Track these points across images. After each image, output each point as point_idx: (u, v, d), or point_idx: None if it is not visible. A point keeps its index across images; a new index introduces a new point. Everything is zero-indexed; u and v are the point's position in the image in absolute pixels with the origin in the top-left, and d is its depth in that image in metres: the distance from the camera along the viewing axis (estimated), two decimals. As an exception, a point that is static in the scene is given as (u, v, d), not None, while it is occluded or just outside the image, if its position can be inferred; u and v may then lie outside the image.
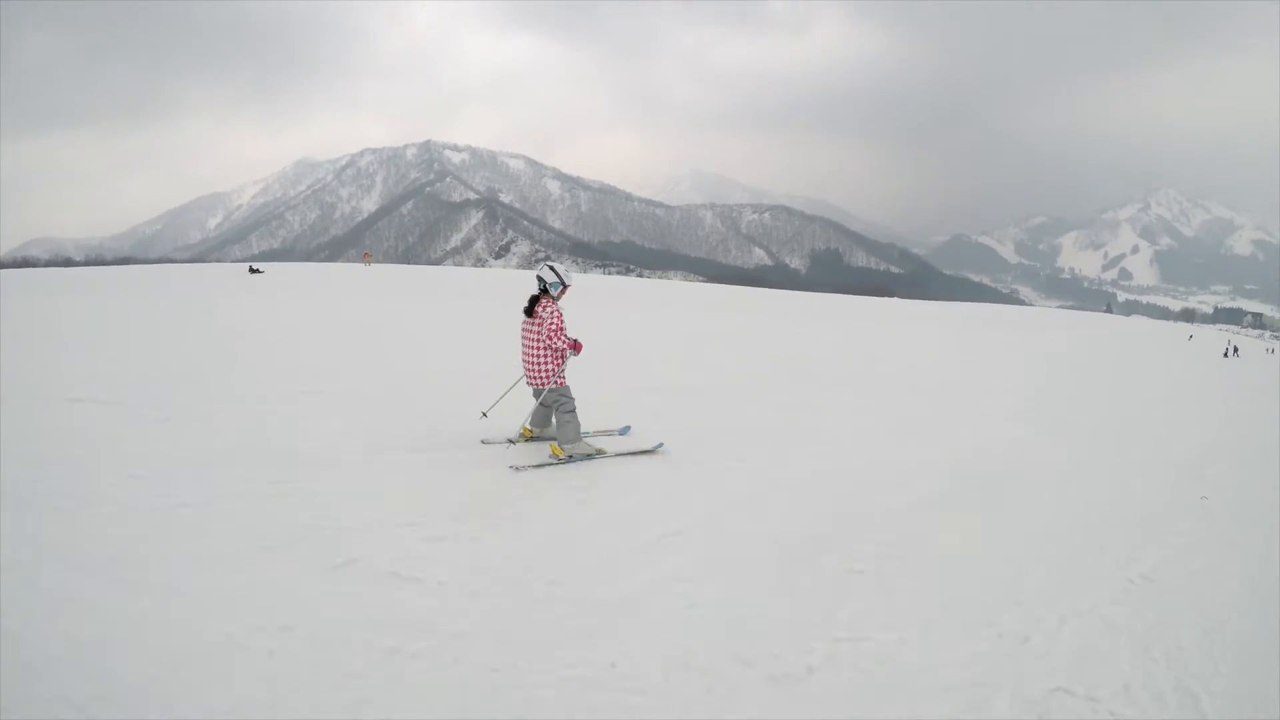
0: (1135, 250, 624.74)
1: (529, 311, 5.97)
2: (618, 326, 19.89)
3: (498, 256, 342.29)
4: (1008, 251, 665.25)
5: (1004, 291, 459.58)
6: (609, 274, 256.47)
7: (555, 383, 5.97)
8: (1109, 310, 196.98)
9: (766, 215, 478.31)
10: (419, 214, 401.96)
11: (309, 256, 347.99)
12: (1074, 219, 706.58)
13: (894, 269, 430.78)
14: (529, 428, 6.42)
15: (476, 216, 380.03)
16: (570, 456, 5.92)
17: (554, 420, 6.13)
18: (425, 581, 3.57)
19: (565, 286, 6.02)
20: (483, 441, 6.25)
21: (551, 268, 6.01)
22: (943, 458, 6.93)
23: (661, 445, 6.34)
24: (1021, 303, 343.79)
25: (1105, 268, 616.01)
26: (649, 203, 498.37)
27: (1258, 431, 10.54)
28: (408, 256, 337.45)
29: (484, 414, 6.64)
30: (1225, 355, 37.54)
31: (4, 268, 62.66)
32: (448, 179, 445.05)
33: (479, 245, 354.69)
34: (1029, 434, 8.51)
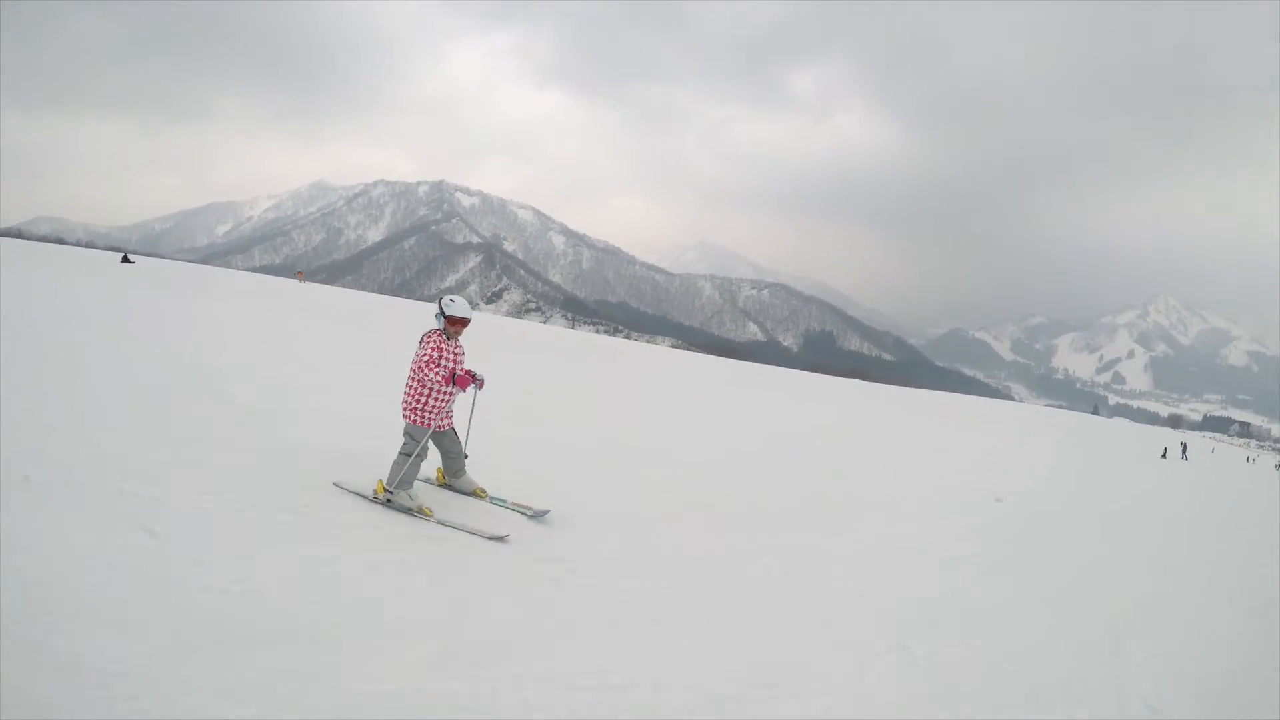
0: (1130, 355, 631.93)
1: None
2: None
3: (489, 301, 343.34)
4: (1003, 349, 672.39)
5: (996, 388, 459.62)
6: (598, 332, 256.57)
7: (409, 417, 5.64)
8: (1095, 412, 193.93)
9: (765, 292, 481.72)
10: (420, 250, 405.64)
11: (309, 277, 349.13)
12: (1072, 321, 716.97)
13: (886, 355, 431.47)
14: (440, 470, 6.25)
15: (475, 260, 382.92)
16: (389, 501, 5.49)
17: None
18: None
19: (449, 319, 5.71)
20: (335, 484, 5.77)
21: (440, 299, 5.81)
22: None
23: (508, 536, 5.39)
24: (1010, 399, 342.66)
25: (1099, 370, 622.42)
26: (650, 267, 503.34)
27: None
28: (402, 290, 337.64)
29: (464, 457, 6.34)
30: (1163, 456, 33.21)
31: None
32: (454, 220, 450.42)
33: (472, 289, 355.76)
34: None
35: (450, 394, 5.66)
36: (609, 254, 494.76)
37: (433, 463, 6.28)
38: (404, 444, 5.60)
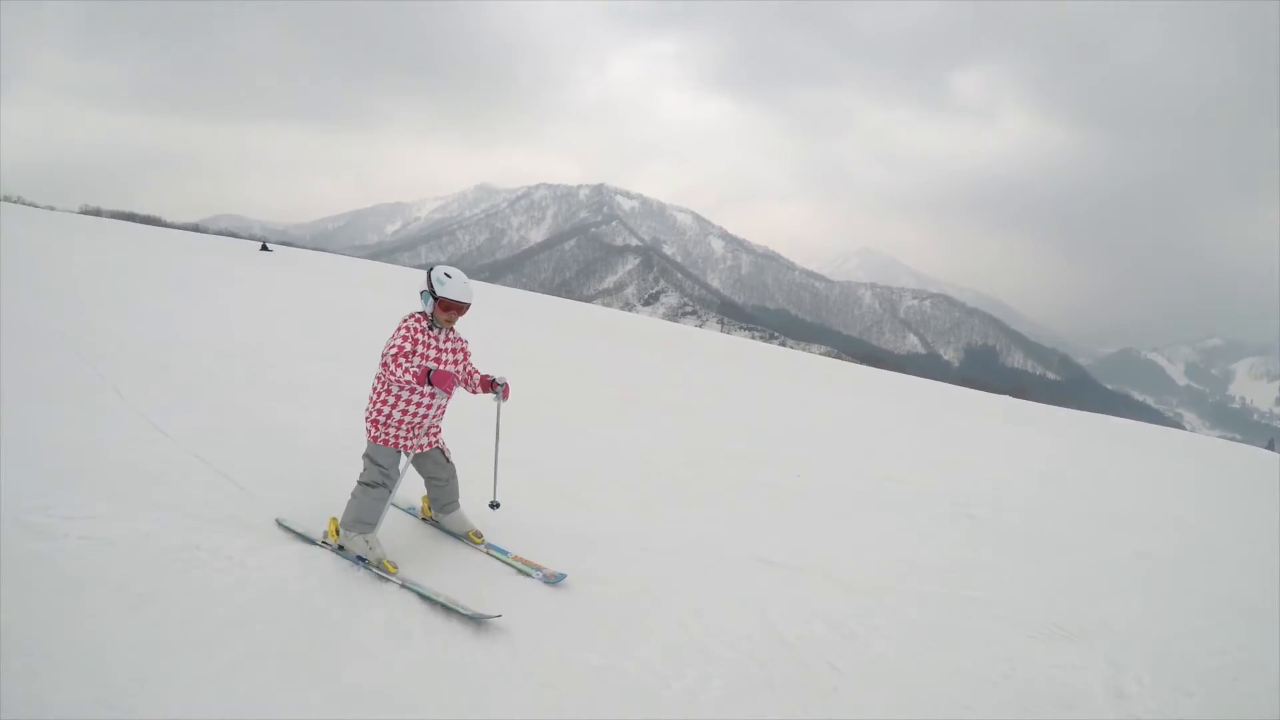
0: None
1: None
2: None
3: (646, 304, 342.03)
4: (1177, 372, 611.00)
5: (1167, 414, 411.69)
6: (753, 338, 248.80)
7: (369, 432, 3.98)
8: (1270, 447, 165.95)
9: (927, 303, 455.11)
10: (579, 252, 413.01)
11: (472, 275, 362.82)
12: (1252, 344, 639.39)
13: (1051, 374, 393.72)
14: (425, 499, 4.55)
15: (633, 262, 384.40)
16: (342, 547, 3.90)
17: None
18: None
19: (439, 301, 3.87)
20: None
21: (429, 271, 3.94)
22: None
23: (499, 617, 3.51)
24: (1181, 428, 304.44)
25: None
26: (810, 274, 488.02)
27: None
28: (562, 290, 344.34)
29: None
30: None
31: (177, 229, 66.36)
32: (614, 223, 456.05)
33: (630, 290, 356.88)
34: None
35: (428, 403, 3.93)
36: (768, 260, 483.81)
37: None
38: (363, 470, 3.98)
